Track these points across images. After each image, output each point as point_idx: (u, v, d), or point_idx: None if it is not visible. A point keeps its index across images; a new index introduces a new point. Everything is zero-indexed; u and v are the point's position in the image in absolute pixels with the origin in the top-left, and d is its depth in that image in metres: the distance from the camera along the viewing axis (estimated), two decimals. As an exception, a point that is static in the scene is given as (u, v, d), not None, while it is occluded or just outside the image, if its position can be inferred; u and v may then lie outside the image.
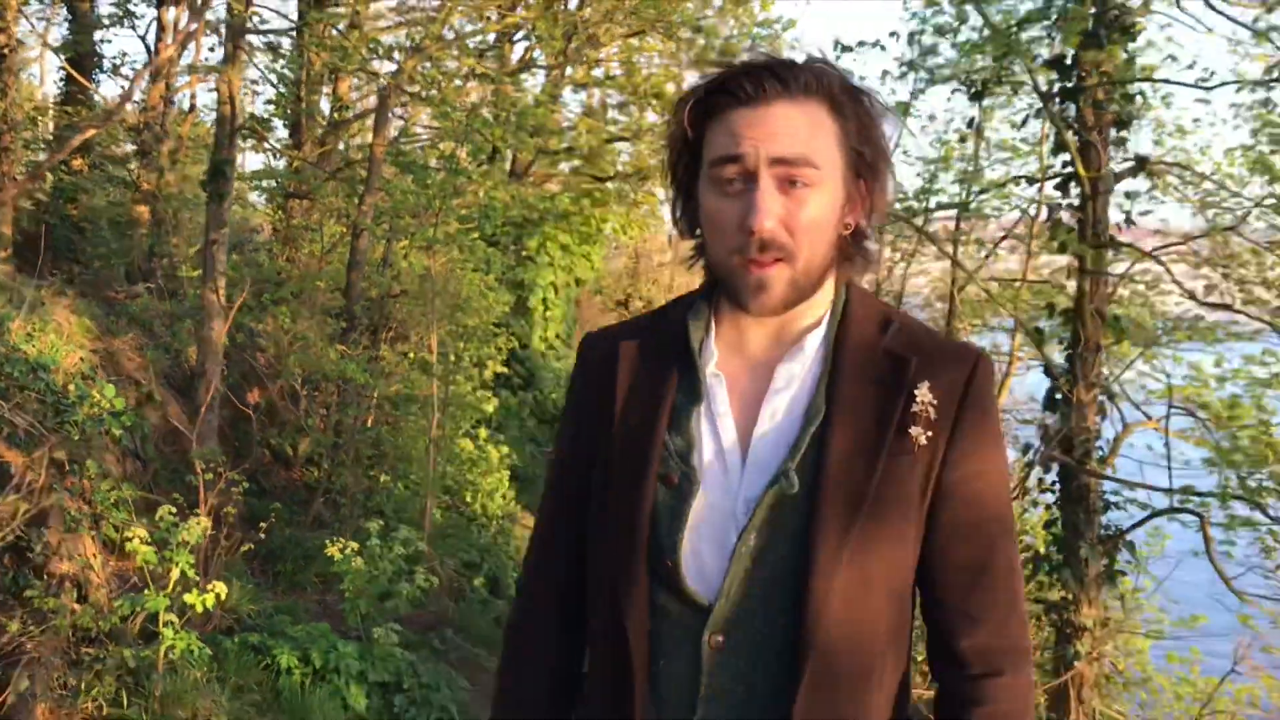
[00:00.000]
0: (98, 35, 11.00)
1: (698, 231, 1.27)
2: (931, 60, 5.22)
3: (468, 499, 7.77)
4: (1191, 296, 4.86)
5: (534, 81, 12.02)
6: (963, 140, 5.89)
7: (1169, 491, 4.70)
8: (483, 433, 8.12)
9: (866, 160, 1.20)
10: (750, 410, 1.22)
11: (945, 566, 1.21)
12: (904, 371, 1.20)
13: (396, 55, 7.93)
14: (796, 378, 1.22)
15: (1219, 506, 4.61)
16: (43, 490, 4.56)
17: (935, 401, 1.19)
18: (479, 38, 9.10)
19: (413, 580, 4.98)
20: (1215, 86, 4.78)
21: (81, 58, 10.65)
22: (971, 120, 5.43)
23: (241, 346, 8.12)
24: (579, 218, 12.23)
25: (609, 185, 12.96)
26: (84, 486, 5.05)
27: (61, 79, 11.18)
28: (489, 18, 8.90)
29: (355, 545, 4.87)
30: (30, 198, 10.64)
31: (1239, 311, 4.90)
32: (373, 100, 10.16)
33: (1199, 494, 4.62)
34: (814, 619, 1.14)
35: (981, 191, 5.76)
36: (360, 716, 4.58)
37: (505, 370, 10.30)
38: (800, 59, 1.21)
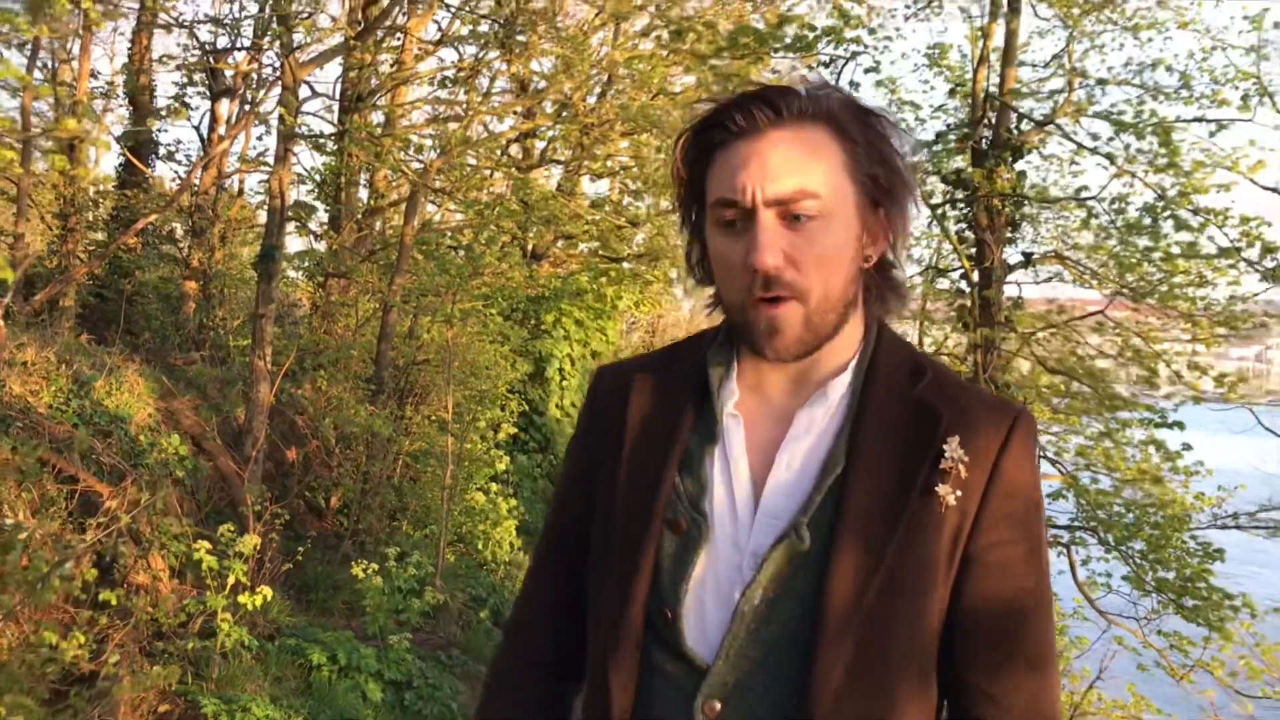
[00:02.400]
0: (155, 125, 12.49)
1: (712, 277, 1.21)
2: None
3: (479, 546, 8.89)
4: (1041, 363, 5.95)
5: (553, 174, 13.35)
6: None
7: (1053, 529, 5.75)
8: (494, 487, 9.27)
9: (882, 184, 1.14)
10: (766, 457, 1.16)
11: (969, 643, 1.12)
12: (934, 425, 1.13)
13: (425, 155, 9.26)
14: (817, 425, 1.16)
15: (1077, 541, 5.64)
16: (123, 516, 5.77)
17: (967, 459, 1.11)
18: (502, 140, 10.40)
19: (422, 597, 6.10)
20: (1087, 198, 5.94)
21: (139, 144, 12.08)
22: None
23: (283, 408, 9.35)
24: (593, 295, 13.45)
25: (624, 265, 14.22)
26: (153, 519, 6.25)
27: (120, 164, 12.61)
28: (510, 121, 10.27)
29: (375, 566, 6.02)
30: (91, 273, 12.01)
31: (1076, 378, 5.95)
32: (406, 189, 11.52)
33: (1058, 526, 5.66)
34: (819, 690, 1.07)
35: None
36: (376, 706, 5.67)
37: (522, 435, 11.49)
38: (792, 83, 1.17)
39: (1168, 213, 5.44)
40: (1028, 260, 5.95)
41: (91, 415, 6.53)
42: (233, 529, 5.41)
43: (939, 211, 5.88)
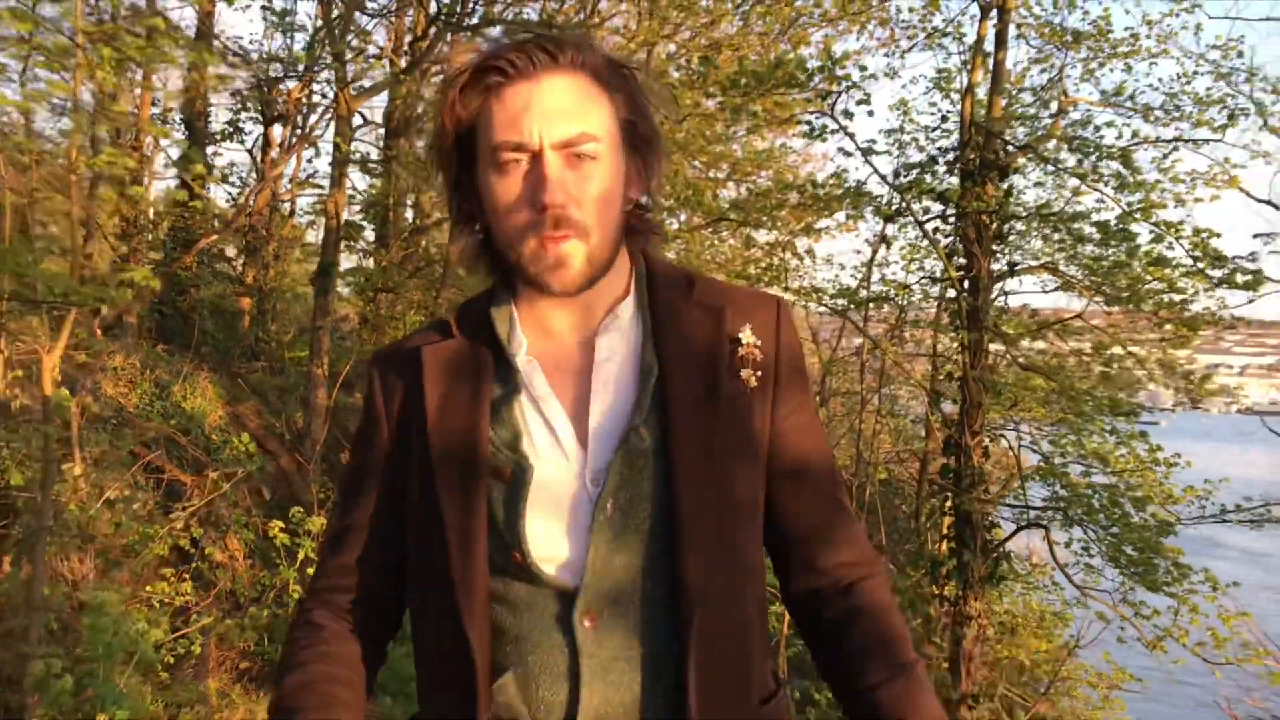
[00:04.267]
0: (209, 149, 13.50)
1: (477, 226, 1.27)
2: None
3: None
4: (1024, 368, 6.66)
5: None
6: (877, 249, 7.85)
7: (1026, 509, 6.48)
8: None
9: (641, 133, 1.24)
10: (577, 387, 1.24)
11: (797, 501, 1.28)
12: (721, 320, 1.26)
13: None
14: (619, 346, 1.25)
15: (1060, 521, 6.38)
16: (204, 503, 6.68)
17: (759, 342, 1.26)
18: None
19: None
20: (1049, 215, 6.69)
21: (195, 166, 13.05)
22: (881, 234, 7.41)
23: (338, 412, 10.27)
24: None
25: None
26: (229, 507, 7.16)
27: (177, 186, 13.61)
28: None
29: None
30: (151, 290, 12.94)
31: (1046, 375, 6.67)
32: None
33: (1033, 507, 6.38)
34: (693, 571, 1.17)
35: (898, 290, 7.67)
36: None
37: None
38: (560, 34, 1.22)
39: (1119, 227, 6.17)
40: (1011, 270, 6.71)
41: (172, 415, 7.47)
42: (302, 511, 6.29)
43: (930, 226, 6.67)
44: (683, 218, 14.50)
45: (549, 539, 1.19)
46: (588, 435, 1.21)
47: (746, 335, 1.26)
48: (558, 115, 1.17)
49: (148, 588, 4.90)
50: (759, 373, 1.25)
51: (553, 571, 1.18)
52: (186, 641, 4.63)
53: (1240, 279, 6.00)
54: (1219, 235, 6.03)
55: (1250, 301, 6.94)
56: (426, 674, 1.27)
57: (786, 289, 8.64)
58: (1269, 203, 7.97)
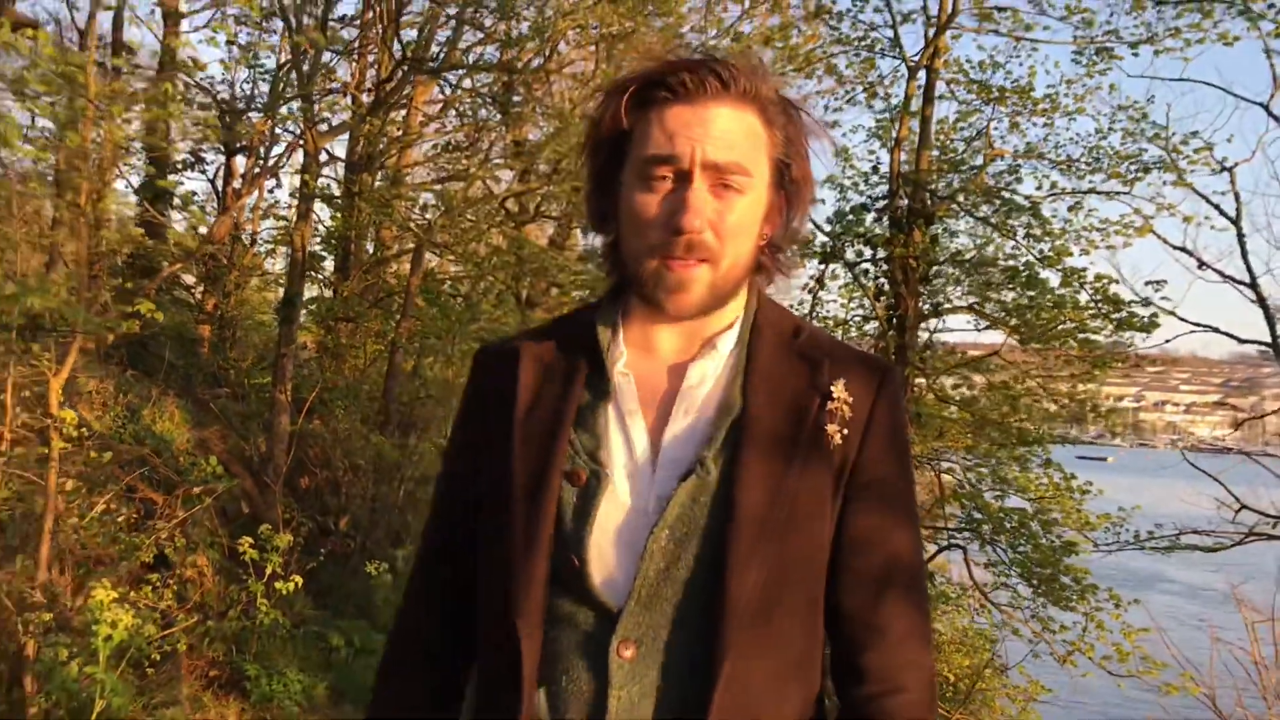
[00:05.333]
0: (171, 176, 13.88)
1: (610, 227, 1.30)
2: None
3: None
4: (940, 399, 7.32)
5: (548, 229, 14.75)
6: (815, 289, 8.52)
7: (945, 529, 7.10)
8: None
9: (791, 174, 1.26)
10: (662, 409, 1.25)
11: (851, 575, 1.23)
12: (818, 372, 1.25)
13: (429, 214, 10.71)
14: (710, 376, 1.26)
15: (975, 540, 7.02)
16: (181, 520, 7.10)
17: (851, 400, 1.24)
18: (499, 198, 11.84)
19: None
20: (962, 260, 7.40)
21: (156, 195, 13.46)
22: (819, 276, 8.08)
23: (299, 439, 10.70)
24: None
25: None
26: (197, 525, 7.58)
27: (138, 213, 13.97)
28: (507, 180, 11.73)
29: (385, 565, 7.35)
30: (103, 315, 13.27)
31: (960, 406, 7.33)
32: (409, 242, 12.95)
33: (950, 529, 7.01)
34: (732, 617, 1.14)
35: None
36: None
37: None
38: (738, 61, 1.24)
39: (1026, 273, 6.86)
40: (936, 310, 7.37)
41: (143, 437, 7.89)
42: (270, 528, 6.74)
43: (859, 269, 7.32)
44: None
45: (605, 553, 1.19)
46: (659, 458, 1.22)
47: (839, 390, 1.24)
48: (716, 141, 1.18)
49: (131, 593, 5.32)
50: (845, 430, 1.23)
51: (603, 590, 1.18)
52: (170, 641, 5.06)
53: (1138, 321, 6.68)
54: (1117, 281, 6.74)
55: (1167, 341, 7.64)
56: (481, 684, 1.28)
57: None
58: (1183, 249, 8.72)
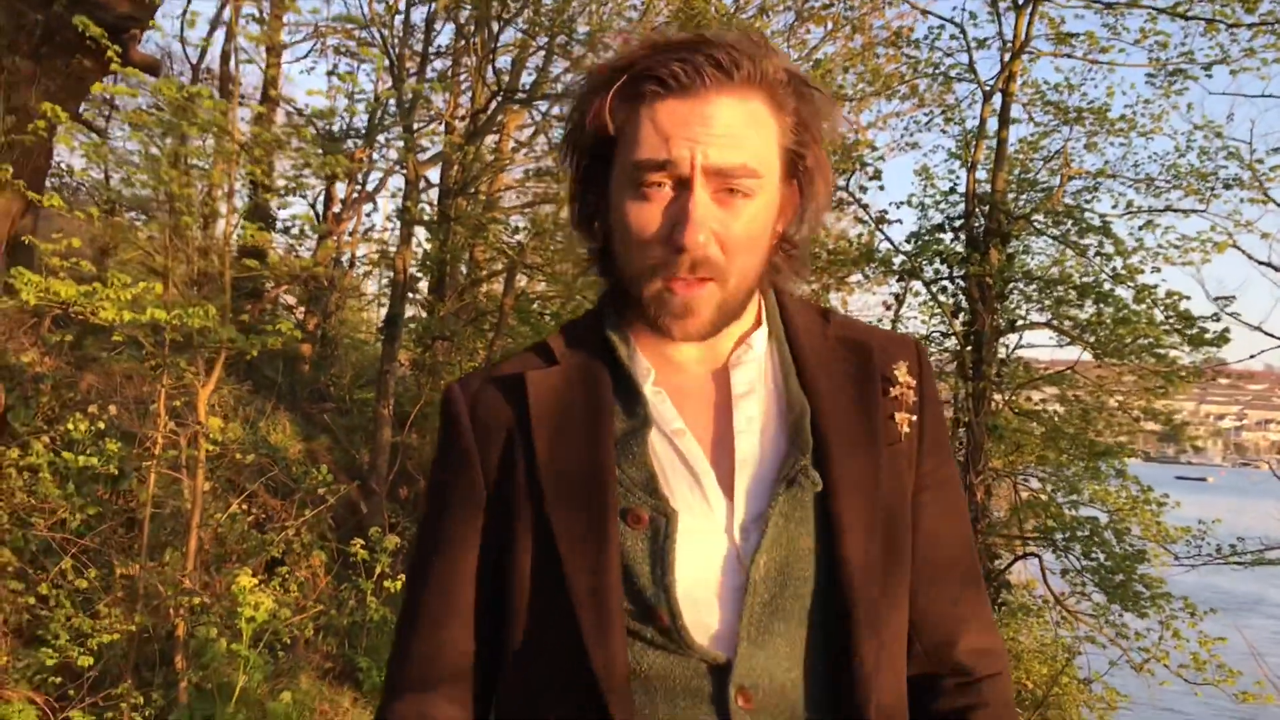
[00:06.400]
0: (273, 201, 14.70)
1: (597, 233, 1.18)
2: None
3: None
4: (1017, 413, 7.59)
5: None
6: (896, 306, 8.84)
7: (1021, 539, 7.39)
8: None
9: (805, 163, 1.12)
10: (715, 424, 1.12)
11: (931, 568, 1.16)
12: (869, 356, 1.16)
13: (520, 237, 11.29)
14: (758, 379, 1.14)
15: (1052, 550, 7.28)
16: (301, 522, 7.72)
17: (914, 384, 1.16)
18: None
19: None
20: (1037, 277, 7.68)
21: (259, 217, 14.28)
22: (899, 294, 8.40)
23: (399, 450, 11.34)
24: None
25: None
26: (312, 529, 8.20)
27: (235, 233, 14.78)
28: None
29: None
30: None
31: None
32: (502, 262, 13.58)
33: (1026, 536, 7.28)
34: (866, 646, 1.05)
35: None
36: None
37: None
38: (736, 39, 1.07)
39: (1097, 289, 7.14)
40: (1012, 326, 7.68)
41: (260, 447, 8.55)
42: (379, 531, 7.30)
43: (936, 286, 7.66)
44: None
45: (698, 599, 1.05)
46: (733, 479, 1.08)
47: (901, 373, 1.16)
48: (718, 140, 1.03)
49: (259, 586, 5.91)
50: (913, 417, 1.15)
51: (704, 641, 1.04)
52: (299, 627, 5.62)
53: (1210, 336, 6.93)
54: (1188, 298, 6.97)
55: (1252, 356, 7.84)
56: None
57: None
58: (1269, 264, 8.90)
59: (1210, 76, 7.60)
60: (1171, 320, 7.01)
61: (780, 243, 1.17)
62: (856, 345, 1.18)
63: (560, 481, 1.09)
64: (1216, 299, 7.09)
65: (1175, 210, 7.97)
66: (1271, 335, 8.67)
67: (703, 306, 1.08)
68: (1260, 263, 9.06)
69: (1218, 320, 6.93)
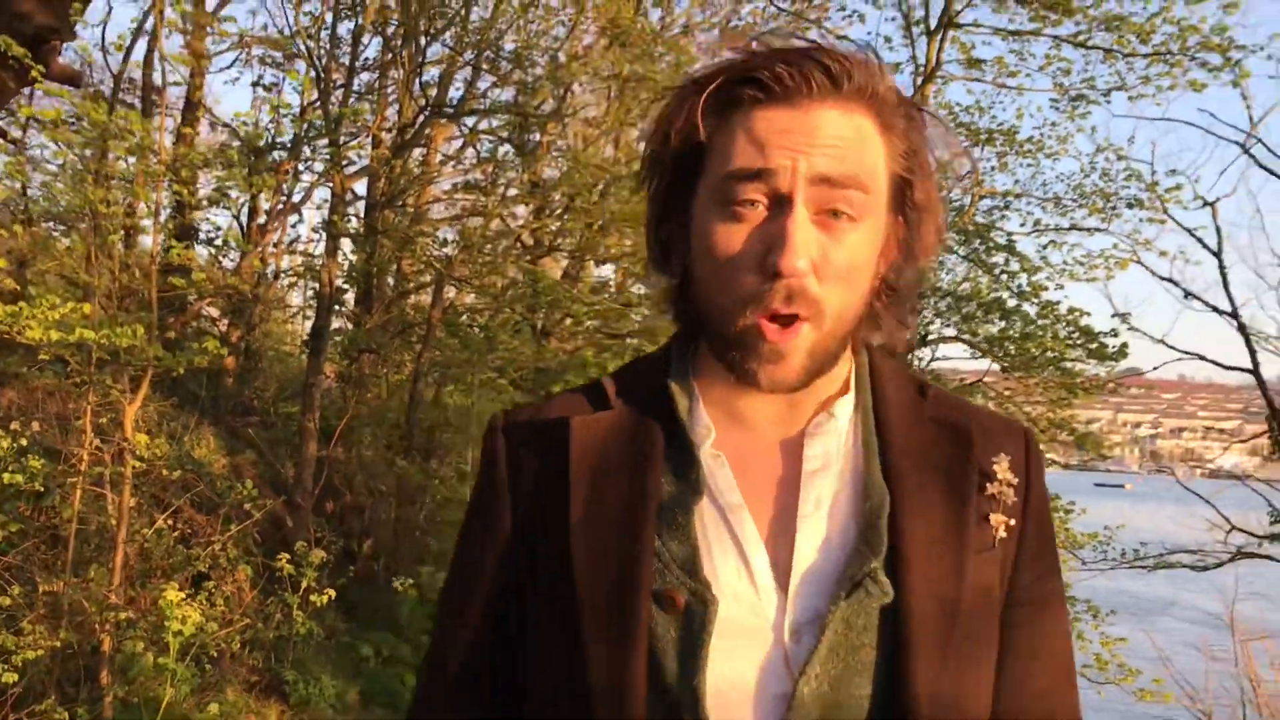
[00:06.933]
0: (196, 213, 14.63)
1: (676, 266, 1.03)
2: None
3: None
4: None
5: (561, 262, 15.42)
6: None
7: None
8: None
9: (914, 194, 0.99)
10: (777, 502, 0.98)
11: (1018, 699, 0.99)
12: (968, 445, 1.00)
13: (448, 249, 11.40)
14: (835, 455, 0.99)
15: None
16: (228, 536, 7.75)
17: (1016, 481, 1.00)
18: (516, 235, 12.54)
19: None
20: (943, 292, 8.06)
21: (181, 232, 14.21)
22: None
23: (325, 464, 11.37)
24: (597, 368, 15.45)
25: (626, 340, 16.29)
26: (238, 544, 8.23)
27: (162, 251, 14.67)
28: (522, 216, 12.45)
29: (410, 580, 7.98)
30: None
31: None
32: (430, 275, 13.66)
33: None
34: None
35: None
36: (412, 689, 7.58)
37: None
38: (848, 50, 0.96)
39: (1000, 307, 7.51)
40: (924, 340, 8.02)
41: (185, 462, 8.55)
42: (305, 545, 7.38)
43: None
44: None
45: (731, 704, 0.91)
46: (789, 569, 0.95)
47: (1002, 469, 1.00)
48: (824, 151, 0.92)
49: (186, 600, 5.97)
50: (1011, 521, 1.00)
51: None
52: (227, 639, 5.70)
53: (1109, 350, 7.31)
54: (1089, 314, 7.37)
55: (1155, 368, 8.25)
56: None
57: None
58: (1170, 280, 9.35)
59: (1109, 102, 8.00)
60: (1074, 335, 7.39)
61: (882, 286, 1.02)
62: (955, 429, 1.02)
63: (591, 546, 0.96)
64: (1114, 315, 7.49)
65: (1081, 229, 8.39)
66: (1174, 348, 9.14)
67: (795, 353, 0.94)
68: (1162, 279, 9.54)
69: (1116, 335, 7.34)
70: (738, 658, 0.92)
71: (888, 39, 8.91)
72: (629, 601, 0.92)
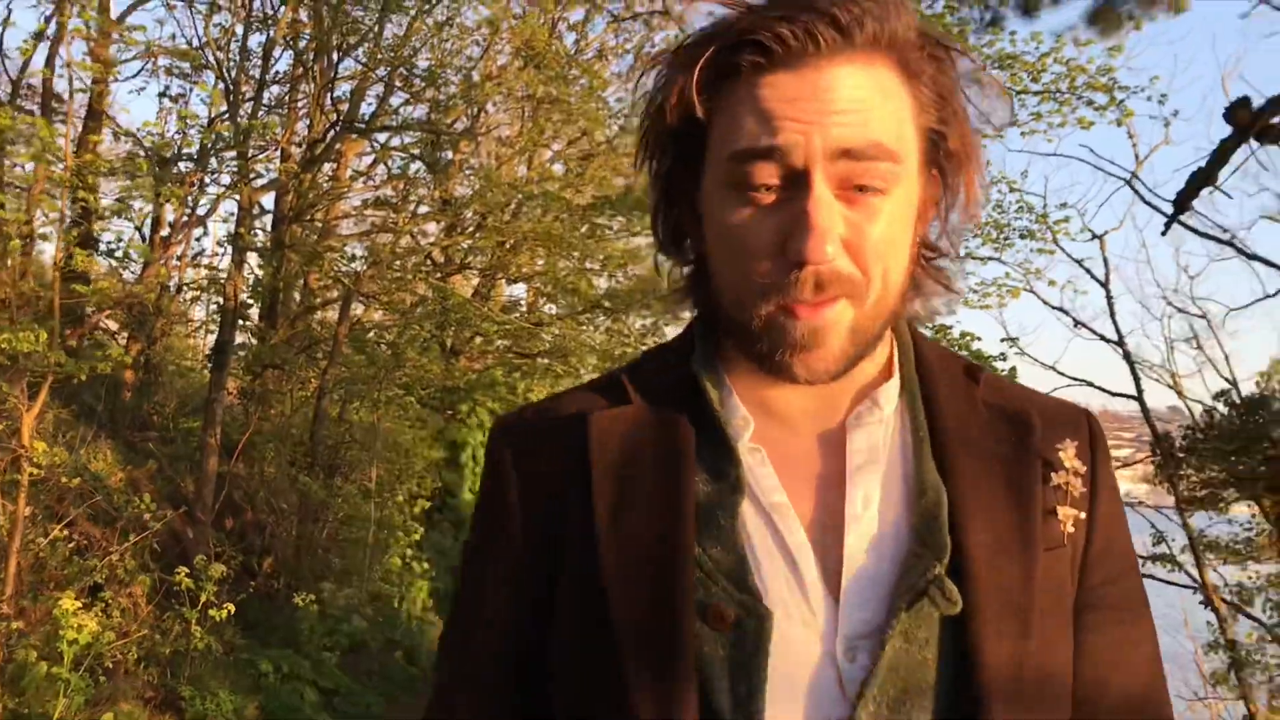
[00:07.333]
0: (98, 223, 14.40)
1: (688, 251, 0.94)
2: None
3: (395, 605, 10.81)
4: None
5: (473, 279, 15.48)
6: None
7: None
8: (410, 552, 11.23)
9: (949, 146, 0.87)
10: (820, 501, 0.88)
11: (1098, 705, 0.89)
12: (1028, 432, 0.90)
13: (356, 265, 11.41)
14: (880, 450, 0.89)
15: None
16: (124, 549, 7.65)
17: (1083, 470, 0.91)
18: (426, 252, 12.58)
19: (351, 623, 8.04)
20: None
21: (83, 241, 13.98)
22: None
23: (226, 480, 11.24)
24: (505, 388, 15.55)
25: (536, 360, 16.38)
26: (133, 558, 8.13)
27: (65, 259, 14.42)
28: (433, 233, 12.50)
29: (312, 596, 7.96)
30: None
31: None
32: (338, 290, 13.62)
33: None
34: None
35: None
36: (312, 704, 7.55)
37: (435, 514, 13.46)
38: None
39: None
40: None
41: (80, 475, 8.41)
42: (205, 559, 7.33)
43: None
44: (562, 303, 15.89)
45: None
46: (839, 577, 0.85)
47: (1068, 458, 0.91)
48: (840, 116, 0.80)
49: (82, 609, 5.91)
50: (1081, 514, 0.91)
51: None
52: (124, 649, 5.65)
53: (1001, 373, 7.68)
54: (980, 339, 7.71)
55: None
56: None
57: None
58: (1060, 309, 9.78)
59: (1003, 137, 8.39)
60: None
61: (922, 250, 0.92)
62: (1013, 416, 0.92)
63: (623, 556, 0.85)
64: (1003, 340, 7.83)
65: (975, 258, 8.75)
66: (1063, 374, 9.56)
67: (833, 334, 0.83)
68: (1053, 307, 9.99)
69: (1005, 359, 7.67)
70: (793, 680, 0.82)
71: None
72: (674, 619, 0.82)
